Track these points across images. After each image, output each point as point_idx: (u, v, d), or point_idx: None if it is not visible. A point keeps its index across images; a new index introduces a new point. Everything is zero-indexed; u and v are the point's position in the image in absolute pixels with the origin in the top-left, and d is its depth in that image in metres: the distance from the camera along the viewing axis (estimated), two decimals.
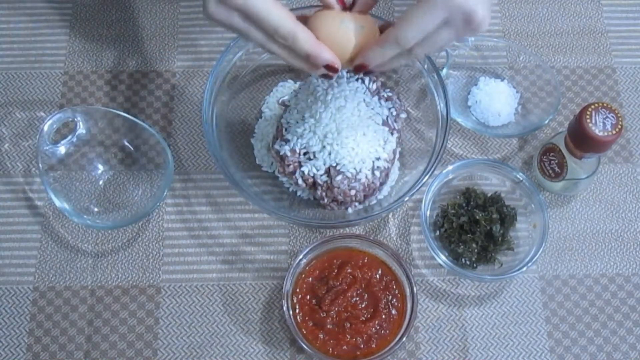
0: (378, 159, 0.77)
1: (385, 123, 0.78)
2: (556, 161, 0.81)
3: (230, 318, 0.79)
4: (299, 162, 0.77)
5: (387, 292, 0.76)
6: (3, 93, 0.89)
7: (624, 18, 0.96)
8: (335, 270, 0.77)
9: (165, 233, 0.83)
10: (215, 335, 0.79)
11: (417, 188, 0.76)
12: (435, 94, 0.81)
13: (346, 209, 0.80)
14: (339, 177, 0.76)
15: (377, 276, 0.77)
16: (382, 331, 0.75)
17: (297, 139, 0.77)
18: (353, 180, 0.76)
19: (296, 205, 0.83)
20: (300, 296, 0.76)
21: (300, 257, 0.76)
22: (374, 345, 0.74)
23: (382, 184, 0.79)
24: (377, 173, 0.77)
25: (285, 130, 0.78)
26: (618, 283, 0.82)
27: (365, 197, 0.79)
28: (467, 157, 0.87)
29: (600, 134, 0.73)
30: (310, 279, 0.77)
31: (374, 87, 0.80)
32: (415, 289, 0.75)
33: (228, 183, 0.79)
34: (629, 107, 0.91)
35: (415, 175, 0.79)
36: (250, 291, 0.80)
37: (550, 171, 0.82)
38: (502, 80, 0.90)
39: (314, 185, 0.78)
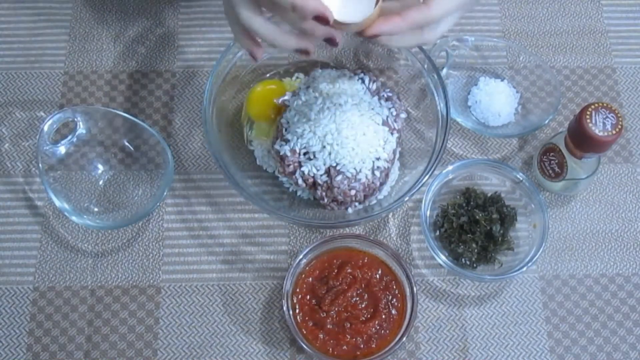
0: (378, 159, 0.77)
1: (385, 123, 0.78)
2: (556, 161, 0.81)
3: (230, 318, 0.79)
4: (299, 162, 0.77)
5: (387, 292, 0.76)
6: (3, 93, 0.89)
7: (624, 18, 0.96)
8: (335, 270, 0.77)
9: (165, 233, 0.83)
10: (215, 335, 0.79)
11: (417, 188, 0.76)
12: (435, 94, 0.81)
13: (346, 209, 0.80)
14: (339, 177, 0.76)
15: (377, 276, 0.77)
16: (382, 331, 0.75)
17: (297, 139, 0.77)
18: (353, 180, 0.76)
19: (296, 205, 0.83)
20: (300, 296, 0.76)
21: (300, 257, 0.76)
22: (374, 345, 0.74)
23: (382, 184, 0.79)
24: (377, 173, 0.77)
25: (285, 130, 0.78)
26: (618, 283, 0.82)
27: (365, 197, 0.79)
28: (467, 157, 0.87)
29: (600, 134, 0.73)
30: (310, 279, 0.77)
31: (374, 87, 0.80)
32: (415, 289, 0.75)
33: (228, 183, 0.79)
34: (629, 107, 0.91)
35: (415, 175, 0.79)
36: (250, 291, 0.80)
37: (550, 171, 0.82)
38: (502, 80, 0.90)
39: (314, 185, 0.78)
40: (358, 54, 0.89)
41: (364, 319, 0.75)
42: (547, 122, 0.86)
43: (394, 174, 0.84)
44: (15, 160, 0.86)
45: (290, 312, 0.75)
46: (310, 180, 0.77)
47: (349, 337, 0.75)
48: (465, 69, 0.91)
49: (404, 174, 0.84)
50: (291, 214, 0.81)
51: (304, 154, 0.77)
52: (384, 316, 0.75)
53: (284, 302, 0.74)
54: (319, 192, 0.78)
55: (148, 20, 0.94)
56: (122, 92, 0.89)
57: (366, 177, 0.77)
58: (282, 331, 0.79)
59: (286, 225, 0.83)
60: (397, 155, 0.82)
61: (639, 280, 0.82)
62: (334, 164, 0.76)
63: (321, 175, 0.77)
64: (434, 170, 0.76)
